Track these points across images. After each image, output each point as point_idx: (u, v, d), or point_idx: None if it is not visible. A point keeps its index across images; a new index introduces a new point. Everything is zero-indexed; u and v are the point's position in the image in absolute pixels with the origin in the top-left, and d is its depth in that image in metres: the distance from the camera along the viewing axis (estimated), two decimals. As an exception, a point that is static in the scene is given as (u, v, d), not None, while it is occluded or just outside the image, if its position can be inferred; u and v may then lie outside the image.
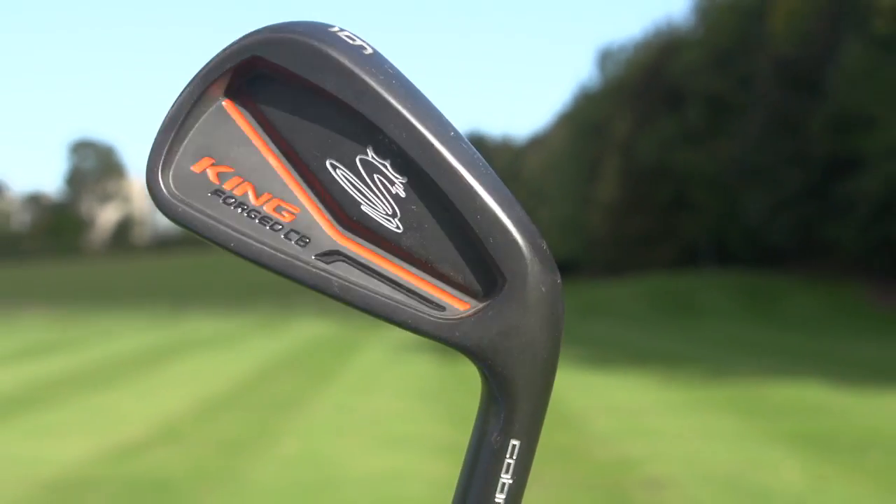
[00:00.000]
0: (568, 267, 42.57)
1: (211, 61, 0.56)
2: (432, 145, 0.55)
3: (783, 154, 27.73)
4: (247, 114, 0.57)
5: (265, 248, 0.56)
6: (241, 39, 0.56)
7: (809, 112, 26.09)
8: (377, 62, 0.56)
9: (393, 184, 0.56)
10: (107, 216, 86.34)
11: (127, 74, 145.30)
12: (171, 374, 11.58)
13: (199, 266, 60.57)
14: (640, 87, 36.76)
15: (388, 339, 15.78)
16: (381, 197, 0.56)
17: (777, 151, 27.90)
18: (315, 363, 12.84)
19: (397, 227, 0.56)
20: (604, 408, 8.18)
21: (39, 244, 79.36)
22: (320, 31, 0.56)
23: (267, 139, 0.57)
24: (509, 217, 0.55)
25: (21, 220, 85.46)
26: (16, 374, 11.80)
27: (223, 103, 0.57)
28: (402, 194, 0.56)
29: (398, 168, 0.56)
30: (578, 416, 7.71)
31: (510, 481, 0.58)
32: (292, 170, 0.57)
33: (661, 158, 34.74)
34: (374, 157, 0.56)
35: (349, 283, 0.56)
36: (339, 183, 0.56)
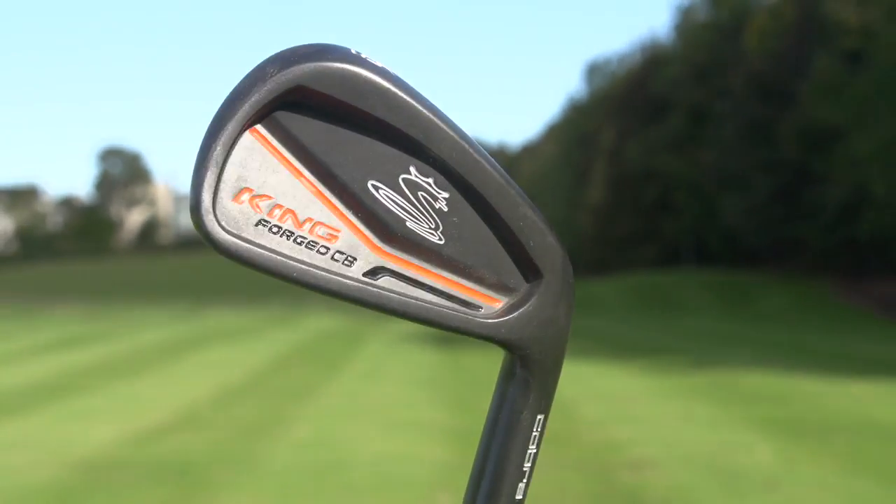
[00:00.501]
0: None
1: (251, 92, 0.51)
2: (479, 162, 0.55)
3: (756, 161, 27.81)
4: (274, 139, 0.53)
5: (319, 272, 0.54)
6: (282, 69, 0.51)
7: (780, 122, 26.16)
8: (411, 86, 0.55)
9: (436, 199, 0.55)
10: (133, 218, 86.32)
11: (152, 86, 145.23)
12: (193, 364, 11.59)
13: (218, 264, 60.55)
14: (625, 99, 36.74)
15: (391, 331, 15.79)
16: (425, 213, 0.55)
17: (751, 158, 27.98)
18: (325, 354, 12.85)
19: (439, 239, 0.56)
20: (592, 395, 8.19)
21: (72, 244, 79.32)
22: (357, 57, 0.53)
23: (299, 164, 0.53)
24: (543, 222, 0.58)
25: (55, 221, 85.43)
26: (50, 363, 11.81)
27: (251, 131, 0.53)
28: (445, 209, 0.56)
29: (441, 184, 0.55)
30: (569, 403, 7.72)
31: (534, 450, 0.60)
32: (329, 193, 0.54)
33: (646, 164, 34.73)
34: (418, 175, 0.55)
35: (400, 296, 0.56)
36: (382, 203, 0.54)
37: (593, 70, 43.98)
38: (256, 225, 0.53)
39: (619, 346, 13.51)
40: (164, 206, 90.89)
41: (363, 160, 0.54)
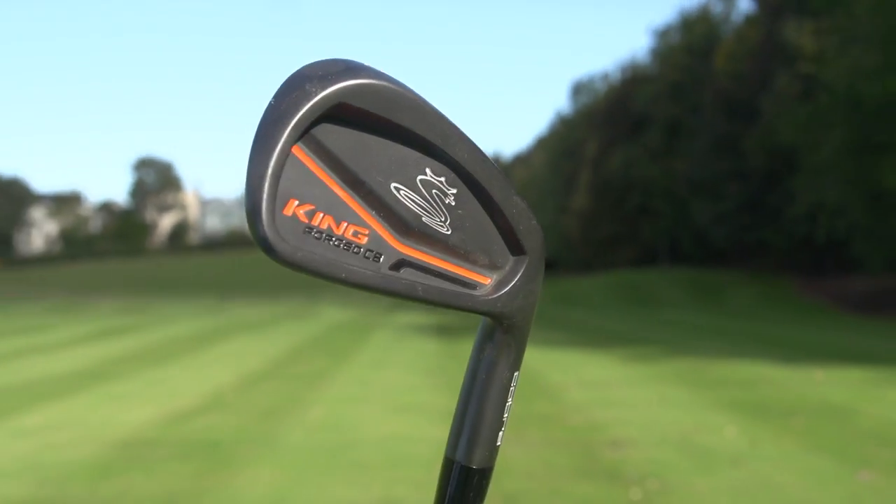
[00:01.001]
0: (548, 265, 42.29)
1: (296, 110, 0.50)
2: (486, 160, 0.57)
3: (725, 171, 27.86)
4: (310, 151, 0.53)
5: (357, 269, 0.54)
6: (324, 87, 0.51)
7: (746, 136, 26.19)
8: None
9: (446, 195, 0.57)
10: (165, 222, 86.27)
11: (183, 101, 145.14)
12: (218, 353, 11.59)
13: (240, 264, 60.54)
14: (608, 114, 36.74)
15: (396, 323, 15.78)
16: (437, 208, 0.57)
17: (720, 168, 28.03)
18: (336, 344, 12.84)
19: (447, 230, 0.57)
20: (577, 381, 8.18)
21: (110, 245, 79.25)
22: (384, 73, 0.53)
23: (331, 173, 0.53)
24: (528, 208, 0.60)
25: (95, 224, 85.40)
26: (91, 352, 11.82)
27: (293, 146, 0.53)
28: (453, 203, 0.57)
29: (451, 182, 0.57)
30: (556, 389, 7.73)
31: (510, 403, 0.62)
32: (357, 197, 0.54)
33: (626, 174, 34.73)
34: (432, 175, 0.56)
35: (420, 284, 0.57)
36: (402, 202, 0.55)
37: (579, 88, 43.99)
38: (303, 233, 0.53)
39: (601, 337, 13.51)
40: (193, 211, 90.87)
41: (387, 165, 0.55)
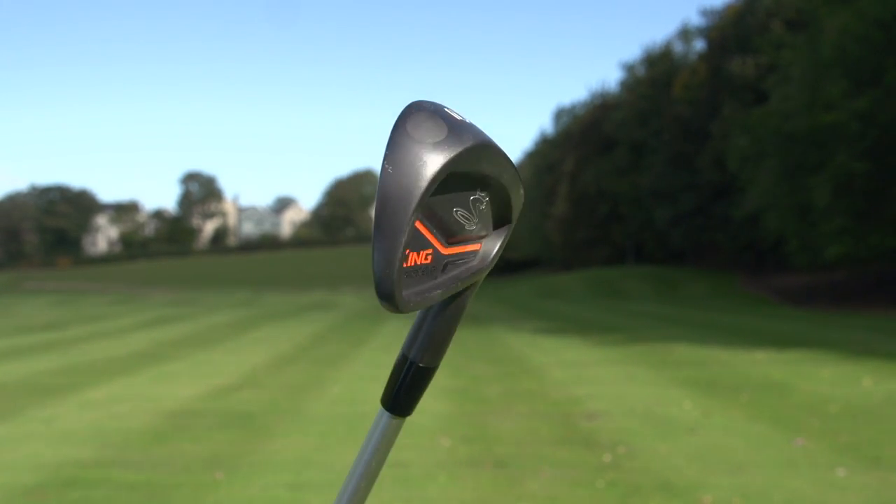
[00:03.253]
0: (532, 263, 42.53)
1: (414, 183, 0.47)
2: (516, 177, 0.57)
3: (681, 183, 27.82)
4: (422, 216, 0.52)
5: (434, 289, 0.53)
6: (435, 158, 0.48)
7: (699, 154, 26.17)
8: None
9: (482, 203, 0.56)
10: (208, 227, 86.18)
11: (226, 118, 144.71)
12: (252, 339, 11.56)
13: (271, 262, 60.50)
14: (583, 135, 36.68)
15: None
16: (476, 215, 0.55)
17: (677, 181, 27.99)
18: (354, 330, 12.83)
19: (473, 226, 0.56)
20: (558, 362, 8.17)
21: (162, 247, 79.15)
22: (472, 127, 0.52)
23: (421, 217, 0.51)
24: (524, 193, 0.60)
25: (149, 229, 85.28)
26: (146, 337, 11.81)
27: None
28: (483, 207, 0.56)
29: (488, 193, 0.56)
30: (540, 369, 7.73)
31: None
32: (431, 226, 0.52)
33: (599, 185, 34.67)
34: (479, 193, 0.55)
35: (458, 277, 0.55)
36: (459, 221, 0.54)
37: (560, 113, 43.96)
38: (407, 276, 0.51)
39: (579, 325, 13.50)
40: (231, 218, 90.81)
41: (455, 196, 0.53)
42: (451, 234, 0.54)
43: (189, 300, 24.96)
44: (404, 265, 0.49)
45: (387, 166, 0.47)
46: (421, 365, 0.58)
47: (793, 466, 3.92)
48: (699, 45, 30.52)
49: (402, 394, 0.58)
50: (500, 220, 0.59)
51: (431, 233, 0.53)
